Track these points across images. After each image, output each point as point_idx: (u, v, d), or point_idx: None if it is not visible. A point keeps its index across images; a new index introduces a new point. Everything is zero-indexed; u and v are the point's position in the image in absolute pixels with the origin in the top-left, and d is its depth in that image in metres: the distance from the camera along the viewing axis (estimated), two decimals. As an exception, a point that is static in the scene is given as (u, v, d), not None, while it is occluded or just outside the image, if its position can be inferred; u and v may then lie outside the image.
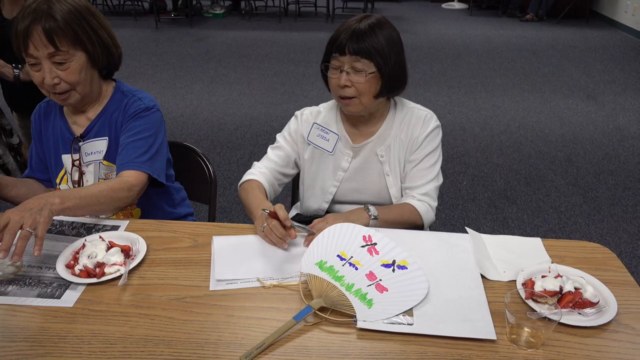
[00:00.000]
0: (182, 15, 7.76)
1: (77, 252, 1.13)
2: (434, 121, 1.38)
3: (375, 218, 1.26)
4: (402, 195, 1.40)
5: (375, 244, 1.10)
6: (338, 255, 1.08)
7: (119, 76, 1.46)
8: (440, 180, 1.40)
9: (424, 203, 1.35)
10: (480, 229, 1.30)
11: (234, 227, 1.26)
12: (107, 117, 1.39)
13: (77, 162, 1.40)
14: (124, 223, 1.28)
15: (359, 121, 1.40)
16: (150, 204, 1.46)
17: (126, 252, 1.13)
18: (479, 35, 6.81)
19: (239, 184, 1.43)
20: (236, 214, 2.85)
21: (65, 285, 1.06)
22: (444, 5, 9.02)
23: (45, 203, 1.09)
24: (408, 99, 1.47)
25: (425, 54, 5.90)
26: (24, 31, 1.20)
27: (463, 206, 2.87)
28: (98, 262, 1.09)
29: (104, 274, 1.07)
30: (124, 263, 1.10)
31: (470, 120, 3.96)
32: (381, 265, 1.05)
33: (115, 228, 1.26)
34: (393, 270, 1.04)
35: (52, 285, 1.06)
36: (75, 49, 1.26)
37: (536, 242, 1.18)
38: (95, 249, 1.11)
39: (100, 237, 1.17)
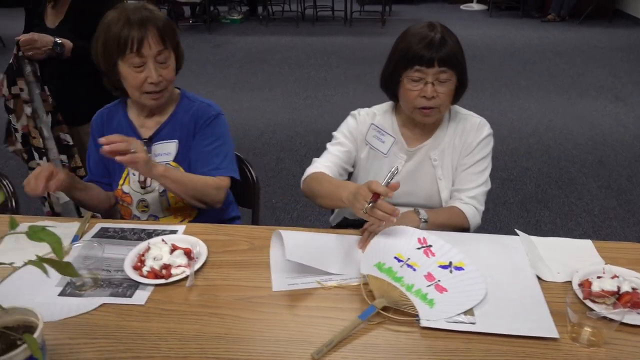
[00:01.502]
0: (200, 22, 7.90)
1: (142, 255, 1.20)
2: (487, 128, 1.44)
3: (426, 221, 1.31)
4: (450, 198, 1.45)
5: (431, 246, 1.16)
6: (395, 257, 1.14)
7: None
8: (489, 186, 1.46)
9: (471, 206, 1.40)
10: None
11: (287, 230, 1.32)
12: (176, 120, 1.50)
13: None
14: (181, 227, 1.35)
15: (417, 126, 1.45)
16: None
17: (188, 254, 1.21)
18: (500, 36, 6.82)
19: (303, 178, 1.46)
20: (270, 219, 2.91)
21: (135, 285, 1.13)
22: (462, 7, 9.04)
23: (153, 164, 1.34)
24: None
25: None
26: (139, 35, 1.33)
27: (494, 210, 2.91)
28: (164, 264, 1.16)
29: (171, 275, 1.14)
30: (189, 265, 1.17)
31: (497, 123, 3.99)
32: (438, 267, 1.11)
33: (173, 232, 1.33)
34: (450, 271, 1.10)
35: (122, 286, 1.13)
36: (171, 50, 1.41)
37: (587, 244, 1.23)
38: (160, 251, 1.19)
39: (162, 240, 1.25)
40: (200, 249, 1.23)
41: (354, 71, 5.63)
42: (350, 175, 1.60)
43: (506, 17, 8.08)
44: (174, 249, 1.21)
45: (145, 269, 1.15)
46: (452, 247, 1.15)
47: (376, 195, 1.12)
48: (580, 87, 4.88)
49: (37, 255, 0.84)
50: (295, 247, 1.13)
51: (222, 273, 1.18)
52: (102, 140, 1.27)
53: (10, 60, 1.85)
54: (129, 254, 1.21)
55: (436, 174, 1.45)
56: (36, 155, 1.99)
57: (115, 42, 1.35)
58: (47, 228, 0.78)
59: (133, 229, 1.34)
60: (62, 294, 1.11)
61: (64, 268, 0.84)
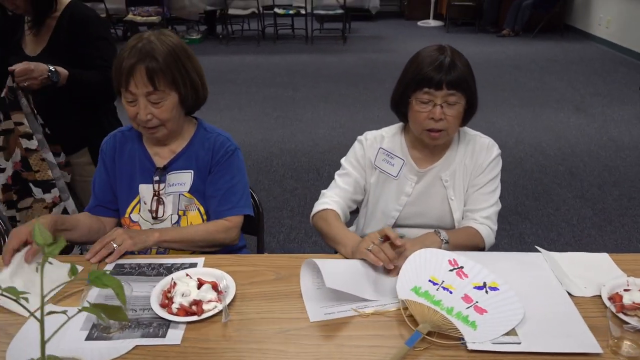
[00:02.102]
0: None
1: (168, 291, 1.18)
2: (496, 148, 1.50)
3: (447, 242, 1.35)
4: (463, 218, 1.51)
5: (462, 267, 1.20)
6: (430, 280, 1.17)
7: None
8: (500, 206, 1.52)
9: (486, 226, 1.46)
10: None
11: (307, 257, 1.32)
12: (192, 152, 1.48)
13: (159, 192, 1.47)
14: (200, 260, 1.33)
15: (426, 147, 1.50)
16: None
17: (215, 288, 1.19)
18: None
19: (313, 214, 1.51)
20: (272, 244, 2.88)
21: (166, 324, 1.10)
22: (419, 23, 9.37)
23: (147, 234, 1.37)
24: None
25: (410, 73, 6.13)
26: (128, 69, 1.31)
27: (478, 224, 3.00)
28: (194, 300, 1.14)
29: (203, 311, 1.12)
30: (219, 299, 1.16)
31: (469, 138, 4.15)
32: (474, 288, 1.15)
33: (193, 265, 1.31)
34: (486, 292, 1.14)
35: (152, 325, 1.10)
36: (170, 89, 1.37)
37: (604, 257, 1.30)
38: (187, 287, 1.17)
39: (187, 274, 1.23)
40: (228, 282, 1.21)
41: (321, 89, 5.71)
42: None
43: (463, 33, 8.44)
44: (200, 283, 1.19)
45: (174, 306, 1.13)
46: (482, 267, 1.19)
47: (386, 238, 1.24)
48: (542, 100, 5.14)
49: (89, 302, 0.82)
50: (332, 274, 1.14)
51: (254, 306, 1.17)
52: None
53: (2, 94, 1.76)
54: (154, 291, 1.18)
55: (448, 194, 1.50)
56: (38, 190, 1.89)
57: (115, 71, 1.36)
58: (53, 263, 0.75)
59: (150, 264, 1.31)
60: (89, 338, 1.07)
61: (114, 313, 0.82)
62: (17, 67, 1.70)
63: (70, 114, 1.96)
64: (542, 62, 6.52)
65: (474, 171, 1.49)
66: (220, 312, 1.13)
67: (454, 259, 1.22)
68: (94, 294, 1.17)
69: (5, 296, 0.71)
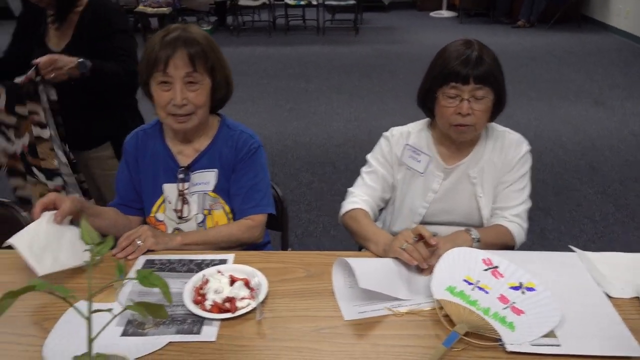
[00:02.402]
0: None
1: (200, 288, 1.18)
2: (525, 145, 1.49)
3: (478, 240, 1.35)
4: (491, 216, 1.50)
5: (497, 266, 1.19)
6: (464, 280, 1.16)
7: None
8: (530, 203, 1.50)
9: (516, 224, 1.45)
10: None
11: (336, 255, 1.32)
12: (215, 150, 1.48)
13: (183, 192, 1.47)
14: (230, 256, 1.33)
15: (453, 143, 1.49)
16: None
17: (247, 285, 1.19)
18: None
19: (342, 213, 1.51)
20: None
21: (200, 321, 1.11)
22: (432, 14, 9.29)
23: (169, 237, 1.38)
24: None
25: (423, 66, 5.99)
26: (167, 53, 1.32)
27: (498, 219, 2.99)
28: (227, 297, 1.14)
29: (237, 308, 1.13)
30: (252, 296, 1.16)
31: (486, 131, 4.12)
32: (510, 288, 1.14)
33: (223, 262, 1.31)
34: (522, 292, 1.13)
35: (186, 322, 1.11)
36: (205, 74, 1.38)
37: (638, 257, 1.29)
38: (219, 283, 1.17)
39: (218, 271, 1.23)
40: (260, 279, 1.22)
41: (333, 81, 5.69)
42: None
43: (476, 24, 8.36)
44: (232, 280, 1.19)
45: (207, 303, 1.13)
46: (517, 267, 1.19)
47: (420, 237, 1.24)
48: (560, 92, 5.09)
49: (132, 300, 0.83)
50: (365, 274, 1.14)
51: (286, 303, 1.17)
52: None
53: (20, 80, 1.77)
54: (186, 288, 1.18)
55: (476, 191, 1.49)
56: (41, 175, 1.90)
57: (146, 60, 1.36)
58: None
59: (180, 259, 1.32)
60: (124, 334, 1.08)
61: (156, 310, 0.82)
62: (42, 59, 1.71)
63: (92, 107, 1.96)
64: (559, 54, 6.44)
65: (502, 168, 1.48)
66: (254, 309, 1.13)
67: (488, 258, 1.21)
68: (127, 290, 1.18)
69: (55, 294, 0.71)
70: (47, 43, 1.95)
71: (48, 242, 1.24)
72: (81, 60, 1.76)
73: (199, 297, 1.16)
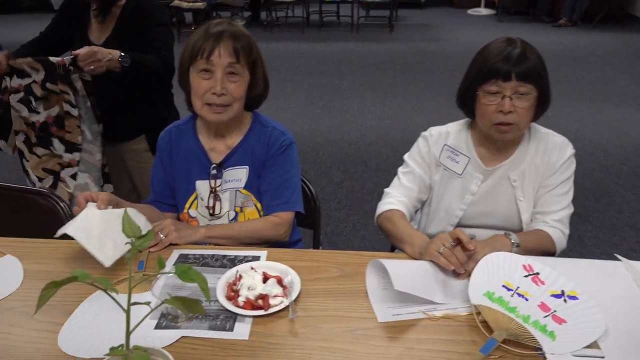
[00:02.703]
0: (202, 28, 7.89)
1: (234, 284, 1.19)
2: (570, 148, 1.44)
3: (518, 245, 1.31)
4: (531, 220, 1.46)
5: (538, 273, 1.16)
6: (504, 286, 1.14)
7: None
8: (572, 209, 1.46)
9: (557, 230, 1.41)
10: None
11: (370, 256, 1.31)
12: (247, 146, 1.49)
13: (215, 189, 1.48)
14: (263, 253, 1.34)
15: (494, 144, 1.46)
16: None
17: (280, 282, 1.20)
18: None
19: (378, 214, 1.49)
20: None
21: (233, 317, 1.12)
22: (469, 11, 9.13)
23: (192, 230, 1.40)
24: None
25: (460, 64, 5.94)
26: (212, 41, 1.35)
27: (534, 224, 2.92)
28: (260, 294, 1.15)
29: (269, 305, 1.13)
30: (284, 294, 1.16)
31: (523, 133, 4.02)
32: (551, 296, 1.11)
33: (256, 258, 1.32)
34: (565, 300, 1.10)
35: (219, 318, 1.12)
36: (246, 68, 1.40)
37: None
38: (253, 280, 1.18)
39: (252, 268, 1.24)
40: (293, 277, 1.22)
41: (367, 78, 5.66)
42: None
43: (516, 22, 8.18)
44: (266, 277, 1.20)
45: (240, 300, 1.14)
46: (560, 274, 1.15)
47: (458, 241, 1.21)
48: (603, 95, 4.93)
49: (167, 294, 0.84)
50: (400, 276, 1.13)
51: (319, 303, 1.17)
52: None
53: (56, 60, 1.82)
54: (219, 284, 1.19)
55: (516, 195, 1.45)
56: (60, 147, 1.94)
57: (190, 50, 1.38)
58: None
59: (213, 255, 1.33)
60: (157, 327, 1.09)
61: (192, 306, 0.83)
62: (82, 51, 1.75)
63: (128, 100, 2.01)
64: (603, 55, 6.24)
65: (545, 171, 1.44)
66: (287, 307, 1.13)
67: (529, 265, 1.18)
68: (161, 283, 1.20)
69: (95, 285, 0.73)
70: (88, 35, 2.00)
71: (103, 229, 1.26)
72: (123, 54, 1.80)
73: (232, 293, 1.17)
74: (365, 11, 8.55)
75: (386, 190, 1.54)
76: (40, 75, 1.86)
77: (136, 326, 0.78)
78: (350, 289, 1.21)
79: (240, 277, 1.20)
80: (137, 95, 2.01)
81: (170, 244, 1.36)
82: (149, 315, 1.10)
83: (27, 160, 2.00)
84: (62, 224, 1.60)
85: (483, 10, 9.01)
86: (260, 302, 1.14)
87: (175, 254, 1.34)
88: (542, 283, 1.14)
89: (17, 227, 1.53)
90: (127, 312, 0.76)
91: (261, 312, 1.12)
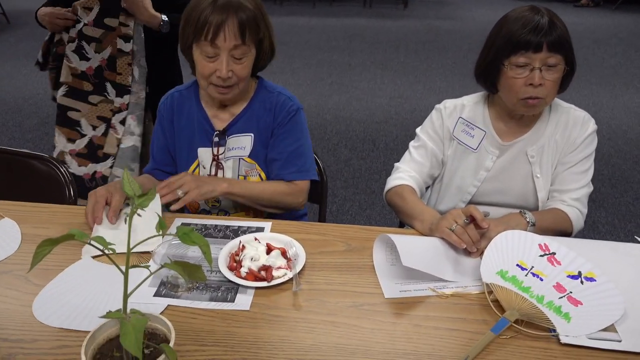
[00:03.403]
0: None
1: (236, 254, 1.18)
2: (592, 124, 1.40)
3: (533, 224, 1.28)
4: (548, 199, 1.43)
5: (554, 253, 1.14)
6: (518, 265, 1.11)
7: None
8: (591, 188, 1.43)
9: (575, 209, 1.38)
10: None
11: (378, 230, 1.29)
12: (252, 113, 1.45)
13: (218, 156, 1.46)
14: (267, 224, 1.32)
15: (513, 118, 1.42)
16: None
17: (284, 254, 1.18)
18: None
19: (387, 189, 1.47)
20: (331, 216, 2.89)
21: (235, 288, 1.10)
22: (488, -11, 8.95)
23: (215, 184, 1.34)
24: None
25: (476, 43, 5.89)
26: (218, 22, 1.27)
27: (547, 209, 2.89)
28: (263, 265, 1.13)
29: (272, 277, 1.11)
30: (288, 266, 1.15)
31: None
32: (567, 277, 1.08)
33: (260, 229, 1.30)
34: (581, 282, 1.07)
35: (220, 289, 1.10)
36: (252, 45, 1.34)
37: None
38: (256, 251, 1.16)
39: (255, 238, 1.22)
40: (297, 249, 1.20)
41: (378, 56, 5.58)
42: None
43: (534, 1, 7.97)
44: (269, 249, 1.18)
45: (243, 270, 1.13)
46: (577, 255, 1.13)
47: (472, 218, 1.17)
48: (624, 78, 4.84)
49: (170, 259, 0.82)
50: (409, 252, 1.10)
51: (325, 276, 1.15)
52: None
53: None
54: (221, 254, 1.18)
55: (533, 171, 1.42)
56: (112, 91, 2.00)
57: (194, 24, 1.31)
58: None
59: (216, 225, 1.31)
60: (157, 294, 1.08)
61: (194, 272, 0.81)
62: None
63: (151, 52, 2.02)
64: (625, 37, 6.12)
65: (565, 147, 1.40)
66: (290, 279, 1.12)
67: (544, 244, 1.15)
68: (163, 252, 1.18)
69: (94, 246, 0.71)
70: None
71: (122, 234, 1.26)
72: (164, 20, 1.89)
73: (235, 264, 1.15)
74: (379, -14, 8.41)
75: (396, 164, 1.51)
76: (92, 15, 1.92)
77: (134, 289, 0.76)
78: (356, 264, 1.19)
79: (243, 247, 1.18)
80: (160, 47, 2.04)
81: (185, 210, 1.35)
82: (149, 281, 1.10)
83: (77, 111, 2.04)
84: (61, 189, 1.60)
85: (501, -12, 8.83)
86: (263, 273, 1.12)
87: (177, 222, 1.33)
88: (559, 263, 1.11)
89: (16, 192, 1.52)
90: (125, 275, 0.74)
91: (264, 284, 1.10)
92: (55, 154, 2.08)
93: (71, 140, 2.05)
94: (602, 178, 3.18)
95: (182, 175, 1.33)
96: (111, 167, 2.05)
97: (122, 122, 2.01)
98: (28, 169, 1.67)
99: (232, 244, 1.21)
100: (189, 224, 1.32)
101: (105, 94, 2.00)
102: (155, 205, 1.27)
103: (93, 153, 2.06)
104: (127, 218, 0.72)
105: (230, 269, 1.15)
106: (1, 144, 3.56)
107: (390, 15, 7.29)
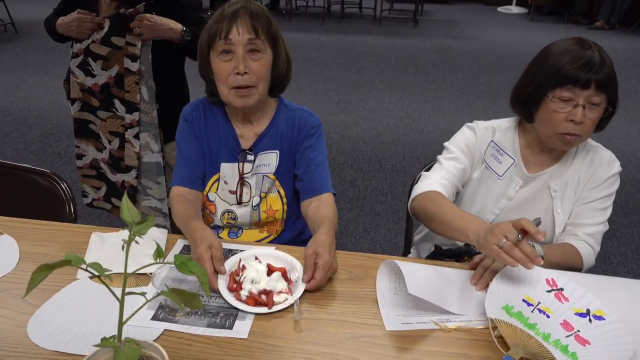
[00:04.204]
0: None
1: (236, 274, 1.18)
2: (617, 165, 1.41)
3: (542, 258, 1.27)
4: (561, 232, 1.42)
5: (562, 289, 1.13)
6: (524, 300, 1.11)
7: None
8: (607, 227, 1.42)
9: (587, 245, 1.37)
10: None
11: (381, 259, 1.28)
12: (276, 130, 1.48)
13: (243, 175, 1.49)
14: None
15: (542, 150, 1.42)
16: None
17: (285, 276, 1.18)
18: (543, 43, 6.67)
19: (414, 196, 1.41)
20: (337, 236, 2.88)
21: (234, 314, 1.11)
22: (500, 9, 9.06)
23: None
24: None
25: (487, 64, 5.94)
26: (229, 20, 1.33)
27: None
28: (264, 290, 1.13)
29: (273, 303, 1.11)
30: (289, 291, 1.15)
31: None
32: (575, 314, 1.08)
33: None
34: (590, 320, 1.06)
35: (219, 315, 1.10)
36: (267, 45, 1.38)
37: None
38: (256, 273, 1.16)
39: (255, 257, 1.22)
40: (299, 271, 1.20)
41: (387, 74, 5.62)
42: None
43: (549, 22, 8.08)
44: (270, 270, 1.18)
45: (243, 294, 1.13)
46: (586, 291, 1.12)
47: (524, 232, 1.08)
48: (638, 104, 4.84)
49: (167, 285, 0.82)
50: (415, 280, 1.10)
51: (324, 305, 1.15)
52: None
53: (128, 11, 1.88)
54: (222, 276, 1.18)
55: (554, 206, 1.42)
56: (121, 108, 2.02)
57: (207, 34, 1.37)
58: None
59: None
60: (154, 317, 1.09)
61: (190, 300, 0.82)
62: (146, 16, 1.86)
63: (161, 70, 2.03)
64: (641, 62, 6.13)
65: (587, 184, 1.41)
66: (290, 306, 1.11)
67: (552, 279, 1.15)
68: (162, 275, 1.19)
69: (90, 272, 0.71)
70: (99, 13, 1.99)
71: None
72: (185, 28, 1.90)
73: (235, 285, 1.15)
74: (389, 4, 8.52)
75: (424, 172, 1.48)
76: (101, 33, 1.94)
77: (129, 317, 0.76)
78: (358, 294, 1.19)
79: (244, 267, 1.18)
80: (169, 67, 2.07)
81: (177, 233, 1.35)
82: (146, 305, 1.10)
83: (95, 124, 2.10)
84: (62, 205, 1.61)
85: (514, 9, 8.93)
86: (263, 297, 1.12)
87: (179, 244, 1.33)
88: (566, 300, 1.11)
89: (17, 206, 1.53)
90: (121, 302, 0.75)
91: (264, 310, 1.10)
92: (83, 164, 2.19)
93: (99, 149, 2.14)
94: (614, 207, 3.13)
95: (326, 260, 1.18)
96: (136, 177, 2.10)
97: (137, 136, 2.04)
98: (29, 184, 1.68)
99: (232, 262, 1.22)
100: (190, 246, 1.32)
101: (114, 109, 2.03)
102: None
103: (117, 164, 2.12)
104: (125, 245, 0.72)
105: (230, 290, 1.15)
106: (4, 156, 3.63)
107: (400, 34, 7.37)
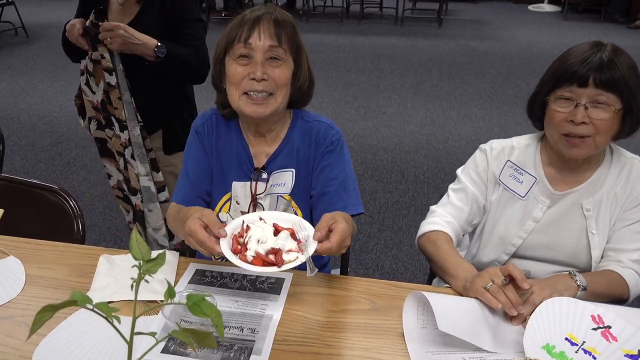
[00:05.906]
0: (233, 16, 7.94)
1: (240, 236, 1.15)
2: None
3: (584, 289, 1.23)
4: (602, 258, 1.37)
5: (609, 326, 1.08)
6: (567, 339, 1.06)
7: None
8: None
9: (633, 272, 1.31)
10: None
11: (408, 288, 1.26)
12: (291, 146, 1.43)
13: (256, 196, 1.44)
14: (288, 275, 1.29)
15: (567, 165, 1.37)
16: None
17: (294, 236, 1.15)
18: (577, 43, 6.71)
19: (420, 234, 1.44)
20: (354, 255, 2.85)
21: (249, 348, 1.08)
22: (531, 7, 8.95)
23: None
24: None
25: (517, 66, 5.86)
26: (251, 24, 1.29)
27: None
28: (272, 248, 1.10)
29: (283, 261, 1.08)
30: (300, 249, 1.11)
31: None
32: (624, 356, 1.03)
33: (280, 280, 1.28)
34: (640, 362, 1.01)
35: (233, 349, 1.08)
36: (289, 54, 1.33)
37: None
38: (262, 232, 1.13)
39: (260, 218, 1.20)
40: (308, 231, 1.15)
41: (409, 78, 5.59)
42: None
43: (584, 21, 7.96)
44: (277, 230, 1.16)
45: (249, 254, 1.09)
46: (636, 329, 1.07)
47: (510, 278, 1.14)
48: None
49: (178, 324, 0.80)
50: (446, 315, 1.06)
51: (347, 339, 1.12)
52: None
53: (87, 23, 1.87)
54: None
55: (588, 226, 1.37)
56: (117, 126, 2.00)
57: (225, 37, 1.34)
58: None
59: (233, 274, 1.30)
60: (164, 350, 1.07)
61: (203, 339, 0.79)
62: (106, 24, 1.81)
63: (155, 92, 2.02)
64: (682, 64, 6.00)
65: (626, 203, 1.35)
66: (299, 264, 1.09)
67: (598, 315, 1.10)
68: (170, 307, 1.17)
69: (97, 312, 0.69)
70: (107, 19, 2.00)
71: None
72: (159, 44, 1.84)
73: (239, 247, 1.12)
74: (411, 3, 8.48)
75: (432, 207, 1.48)
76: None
77: (140, 358, 0.74)
78: (382, 326, 1.16)
79: (248, 228, 1.15)
80: (164, 88, 2.03)
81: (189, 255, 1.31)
82: (157, 335, 1.08)
83: (109, 143, 2.10)
84: (70, 221, 1.61)
85: (546, 7, 8.81)
86: (272, 257, 1.09)
87: (191, 268, 1.32)
88: (615, 339, 1.06)
89: (25, 223, 1.54)
90: (130, 344, 0.72)
91: (274, 269, 1.07)
92: (113, 184, 2.22)
93: (118, 170, 2.14)
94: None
95: None
96: (142, 201, 2.10)
97: (132, 156, 2.03)
98: (37, 200, 1.69)
99: (235, 225, 1.18)
100: (204, 271, 1.31)
101: (113, 127, 2.02)
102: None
103: (128, 185, 2.13)
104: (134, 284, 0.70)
105: (235, 252, 1.12)
106: (13, 165, 3.68)
107: (423, 35, 7.32)
